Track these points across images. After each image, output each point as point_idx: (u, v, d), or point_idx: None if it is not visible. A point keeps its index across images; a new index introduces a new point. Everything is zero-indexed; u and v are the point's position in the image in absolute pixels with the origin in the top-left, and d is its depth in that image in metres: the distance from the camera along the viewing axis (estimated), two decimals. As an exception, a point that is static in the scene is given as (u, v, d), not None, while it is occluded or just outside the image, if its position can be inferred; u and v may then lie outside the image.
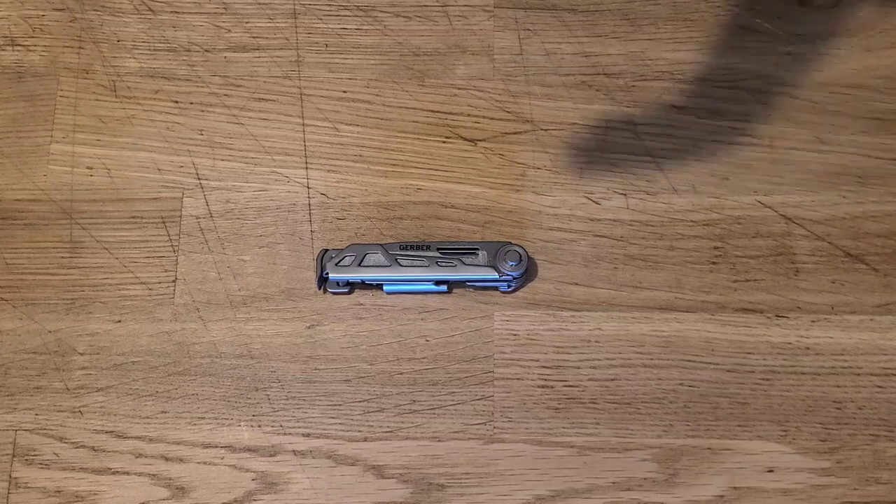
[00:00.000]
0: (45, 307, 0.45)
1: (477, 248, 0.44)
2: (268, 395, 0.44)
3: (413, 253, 0.44)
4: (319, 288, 0.45)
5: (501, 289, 0.45)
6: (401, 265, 0.44)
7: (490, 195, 0.47)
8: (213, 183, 0.47)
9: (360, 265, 0.44)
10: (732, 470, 0.43)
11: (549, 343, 0.44)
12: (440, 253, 0.44)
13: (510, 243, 0.44)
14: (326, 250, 0.44)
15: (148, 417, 0.44)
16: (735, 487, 0.42)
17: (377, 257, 0.44)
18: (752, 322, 0.45)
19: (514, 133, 0.48)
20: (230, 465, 0.43)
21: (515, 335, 0.45)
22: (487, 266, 0.44)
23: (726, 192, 0.47)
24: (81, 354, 0.45)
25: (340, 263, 0.44)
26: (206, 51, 0.49)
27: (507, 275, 0.43)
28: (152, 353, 0.45)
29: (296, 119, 0.48)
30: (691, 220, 0.46)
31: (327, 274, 0.44)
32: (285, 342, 0.45)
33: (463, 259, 0.44)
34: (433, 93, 0.49)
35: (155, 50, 0.49)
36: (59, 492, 0.43)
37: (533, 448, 0.43)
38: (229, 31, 0.50)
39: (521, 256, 0.43)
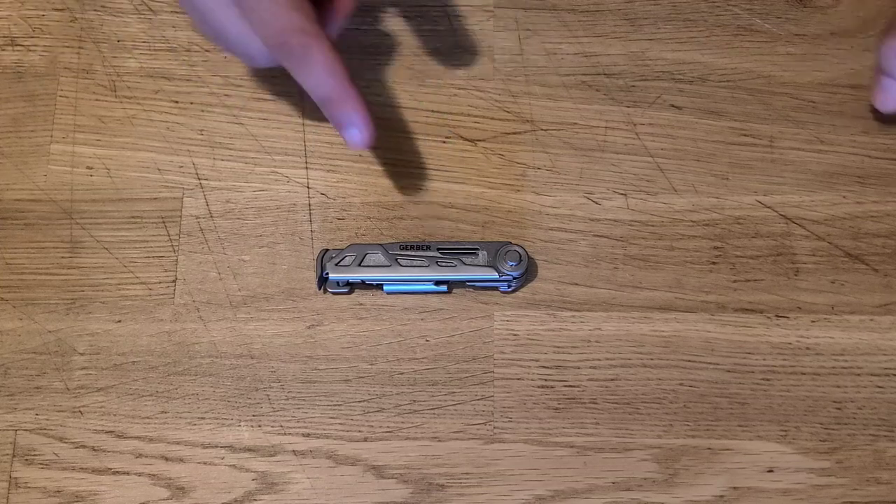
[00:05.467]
0: (45, 307, 0.45)
1: (477, 248, 0.44)
2: (268, 395, 0.44)
3: (413, 253, 0.44)
4: (319, 288, 0.45)
5: (501, 289, 0.45)
6: (401, 265, 0.44)
7: (490, 195, 0.47)
8: (213, 183, 0.47)
9: (360, 265, 0.44)
10: (732, 470, 0.43)
11: (549, 343, 0.44)
12: (440, 253, 0.44)
13: (510, 243, 0.44)
14: (326, 250, 0.44)
15: (148, 417, 0.44)
16: (735, 487, 0.42)
17: (377, 257, 0.44)
18: (752, 322, 0.45)
19: (514, 133, 0.48)
20: (230, 465, 0.43)
21: (515, 335, 0.45)
22: (487, 266, 0.44)
23: (726, 192, 0.47)
24: (81, 354, 0.45)
25: (340, 263, 0.44)
26: (206, 51, 0.49)
27: (507, 275, 0.43)
28: (152, 353, 0.45)
29: (296, 119, 0.48)
30: (691, 220, 0.46)
31: (327, 274, 0.44)
32: (285, 342, 0.45)
33: (463, 259, 0.44)
34: (433, 93, 0.49)
35: (155, 50, 0.49)
36: (59, 492, 0.43)
37: (533, 448, 0.43)
38: (229, 31, 0.50)
39: (521, 256, 0.43)
